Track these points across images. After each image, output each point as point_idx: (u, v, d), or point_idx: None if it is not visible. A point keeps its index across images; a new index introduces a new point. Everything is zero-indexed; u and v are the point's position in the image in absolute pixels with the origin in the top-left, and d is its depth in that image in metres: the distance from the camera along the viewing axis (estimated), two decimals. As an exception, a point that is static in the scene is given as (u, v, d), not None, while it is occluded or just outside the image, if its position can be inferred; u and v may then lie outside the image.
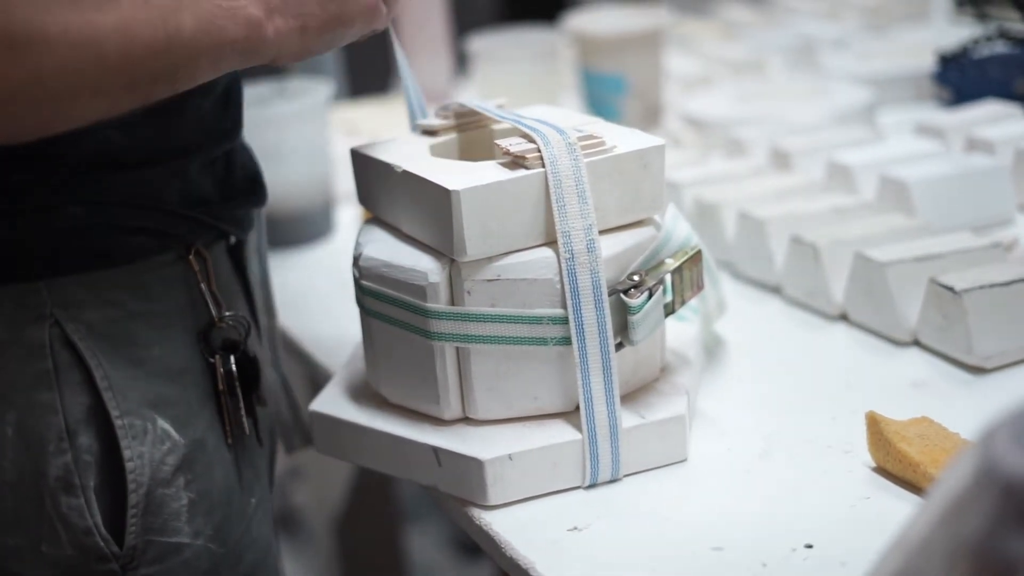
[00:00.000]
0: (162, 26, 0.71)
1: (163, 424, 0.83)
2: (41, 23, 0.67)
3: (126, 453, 0.81)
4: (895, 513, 0.77)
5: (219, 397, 0.87)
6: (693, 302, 0.94)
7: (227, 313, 0.88)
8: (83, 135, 0.75)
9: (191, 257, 0.86)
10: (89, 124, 0.73)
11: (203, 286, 0.87)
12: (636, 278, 0.85)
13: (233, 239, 0.94)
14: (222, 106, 0.88)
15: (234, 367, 0.87)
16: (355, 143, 0.97)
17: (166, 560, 0.84)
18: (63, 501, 0.80)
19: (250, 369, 0.89)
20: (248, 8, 0.76)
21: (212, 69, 0.77)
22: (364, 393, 0.93)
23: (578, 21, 1.64)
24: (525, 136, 0.86)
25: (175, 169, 0.84)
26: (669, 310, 0.87)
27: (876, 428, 0.83)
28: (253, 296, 0.98)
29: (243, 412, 0.88)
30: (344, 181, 1.42)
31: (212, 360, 0.87)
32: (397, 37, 0.96)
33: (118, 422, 0.81)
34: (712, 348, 1.03)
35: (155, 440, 0.83)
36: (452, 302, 0.84)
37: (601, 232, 0.84)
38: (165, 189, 0.84)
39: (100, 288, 0.81)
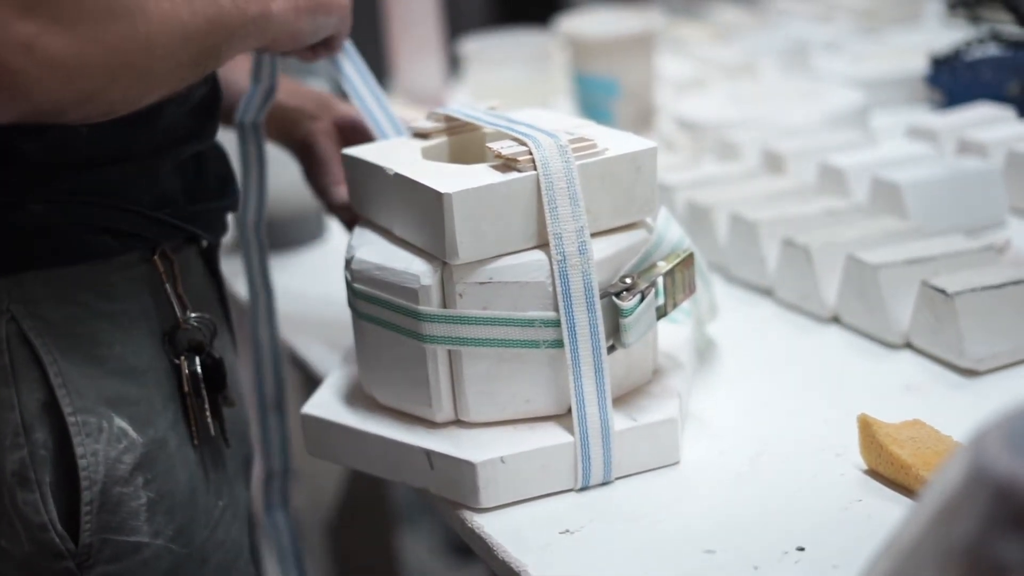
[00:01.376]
0: (211, 3, 0.77)
1: (120, 422, 0.83)
2: None
3: (78, 450, 0.81)
4: (887, 516, 0.77)
5: (184, 398, 0.87)
6: (685, 305, 0.94)
7: (192, 315, 0.88)
8: (45, 131, 0.76)
9: (156, 258, 0.87)
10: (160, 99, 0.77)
11: (168, 287, 0.87)
12: (628, 281, 0.85)
13: (205, 242, 0.94)
14: (196, 112, 0.89)
15: (199, 368, 0.87)
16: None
17: (124, 559, 0.83)
18: (19, 496, 0.80)
19: (216, 370, 0.89)
20: None
21: (240, 45, 0.82)
22: (356, 396, 0.93)
23: (570, 23, 1.64)
24: (516, 139, 0.86)
25: (142, 169, 0.85)
26: (661, 313, 0.87)
27: (868, 431, 0.83)
28: (226, 300, 0.98)
29: (208, 413, 0.88)
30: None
31: (177, 361, 0.87)
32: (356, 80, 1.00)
33: (71, 419, 0.81)
34: (704, 351, 1.03)
35: (111, 438, 0.82)
36: (444, 305, 0.84)
37: (593, 235, 0.84)
38: (132, 189, 0.84)
39: (61, 285, 0.82)
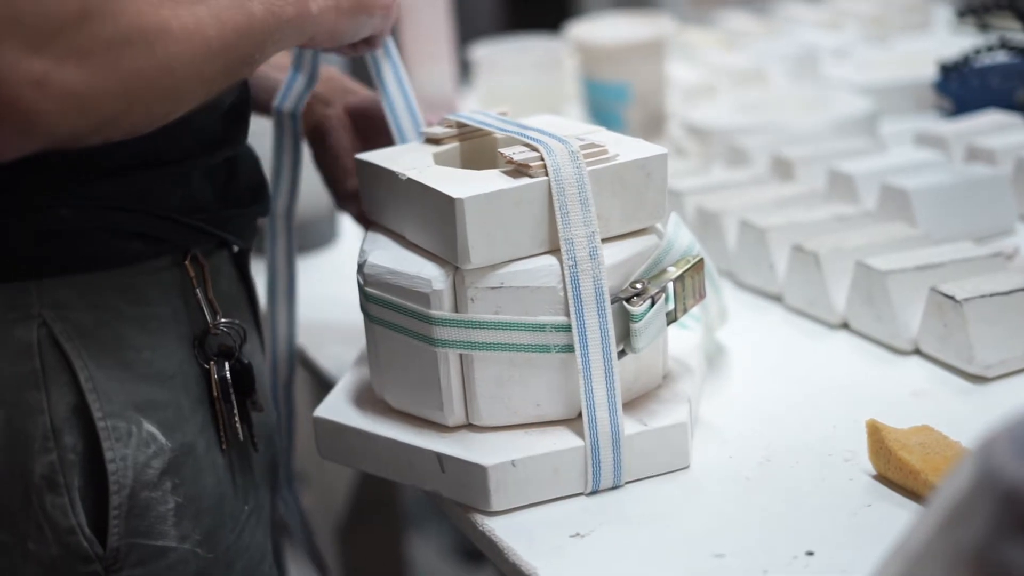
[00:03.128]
0: (241, 11, 0.77)
1: (149, 427, 0.83)
2: (162, 17, 0.71)
3: (108, 455, 0.81)
4: (896, 521, 0.78)
5: (213, 403, 0.88)
6: (695, 310, 0.95)
7: (222, 320, 0.88)
8: None
9: (187, 263, 0.87)
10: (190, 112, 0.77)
11: (199, 292, 0.87)
12: (639, 286, 0.85)
13: (236, 248, 0.94)
14: (228, 118, 0.89)
15: (228, 374, 0.87)
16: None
17: (150, 563, 0.84)
18: (48, 499, 0.81)
19: (245, 376, 0.89)
20: None
21: (274, 48, 0.82)
22: (368, 399, 0.93)
23: (581, 30, 1.64)
24: (528, 145, 0.86)
25: (174, 175, 0.85)
26: (671, 318, 0.88)
27: (877, 436, 0.83)
28: (256, 305, 0.98)
29: (237, 418, 0.88)
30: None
31: (207, 366, 0.87)
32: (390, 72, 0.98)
33: (100, 424, 0.81)
34: (714, 356, 1.03)
35: (140, 443, 0.83)
36: (456, 309, 0.84)
37: (604, 240, 0.84)
38: (163, 194, 0.84)
39: (91, 290, 0.82)
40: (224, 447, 0.88)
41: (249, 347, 0.91)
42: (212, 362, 0.87)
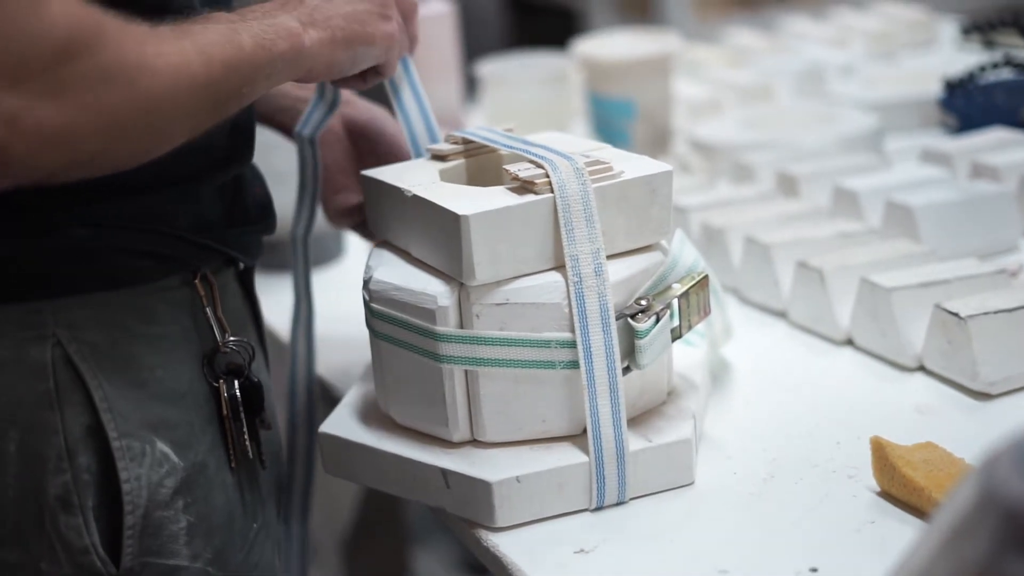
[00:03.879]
0: (230, 45, 0.76)
1: (162, 447, 0.83)
2: (145, 54, 0.70)
3: (123, 475, 0.81)
4: (899, 537, 0.78)
5: (223, 421, 0.88)
6: (700, 327, 0.95)
7: (231, 338, 0.88)
8: None
9: (197, 282, 0.87)
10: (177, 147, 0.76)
11: (209, 311, 0.88)
12: (643, 302, 0.85)
13: (242, 265, 0.94)
14: (235, 135, 0.89)
15: (238, 392, 0.88)
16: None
17: None
18: (62, 520, 0.80)
19: (254, 394, 0.89)
20: (287, 22, 0.81)
21: (266, 83, 0.81)
22: (373, 415, 0.94)
23: (587, 46, 1.65)
24: (533, 162, 0.87)
25: (184, 194, 0.85)
26: (676, 334, 0.88)
27: (881, 453, 0.83)
28: (261, 322, 0.98)
29: (246, 436, 0.88)
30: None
31: (216, 384, 0.87)
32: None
33: (115, 443, 0.81)
34: (718, 372, 1.03)
35: (153, 462, 0.83)
36: (461, 325, 0.85)
37: (609, 257, 0.84)
38: (173, 213, 0.84)
39: (104, 310, 0.82)
40: (233, 465, 0.88)
41: (256, 365, 0.92)
42: (221, 380, 0.88)
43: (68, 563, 0.81)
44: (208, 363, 0.88)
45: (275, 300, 1.14)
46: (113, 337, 0.82)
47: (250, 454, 0.89)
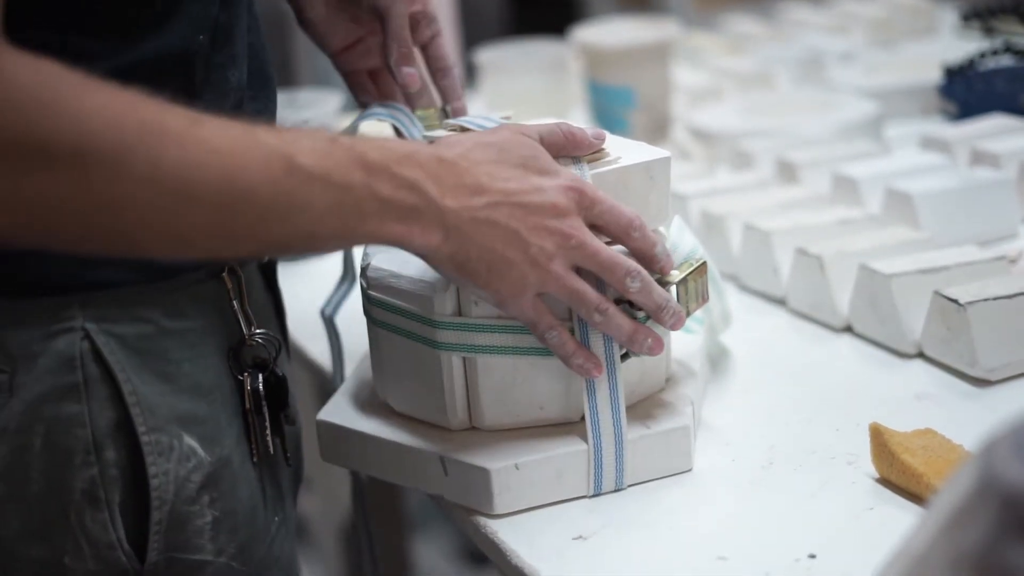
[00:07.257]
0: (331, 217, 0.73)
1: (189, 441, 0.82)
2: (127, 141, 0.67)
3: (151, 470, 0.81)
4: (898, 524, 0.77)
5: (247, 415, 0.87)
6: (698, 313, 0.95)
7: (258, 331, 0.88)
8: None
9: (224, 275, 0.86)
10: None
11: (235, 304, 0.87)
12: (642, 289, 0.85)
13: (266, 257, 0.94)
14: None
15: (262, 386, 0.87)
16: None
17: None
18: (88, 514, 0.80)
19: (278, 388, 0.88)
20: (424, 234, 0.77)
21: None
22: (371, 403, 0.94)
23: (586, 33, 1.64)
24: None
25: None
26: (675, 321, 0.88)
27: (880, 439, 0.83)
28: (283, 315, 0.98)
29: (269, 431, 0.88)
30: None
31: (241, 378, 0.87)
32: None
33: (144, 438, 0.80)
34: (717, 359, 1.03)
35: (181, 457, 0.82)
36: (459, 312, 0.85)
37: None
38: None
39: (133, 304, 0.81)
40: (255, 460, 0.88)
41: (281, 358, 0.91)
42: (246, 374, 0.87)
43: (93, 558, 0.80)
44: (234, 356, 0.87)
45: (292, 293, 1.13)
46: (142, 331, 0.81)
47: (272, 449, 0.88)
